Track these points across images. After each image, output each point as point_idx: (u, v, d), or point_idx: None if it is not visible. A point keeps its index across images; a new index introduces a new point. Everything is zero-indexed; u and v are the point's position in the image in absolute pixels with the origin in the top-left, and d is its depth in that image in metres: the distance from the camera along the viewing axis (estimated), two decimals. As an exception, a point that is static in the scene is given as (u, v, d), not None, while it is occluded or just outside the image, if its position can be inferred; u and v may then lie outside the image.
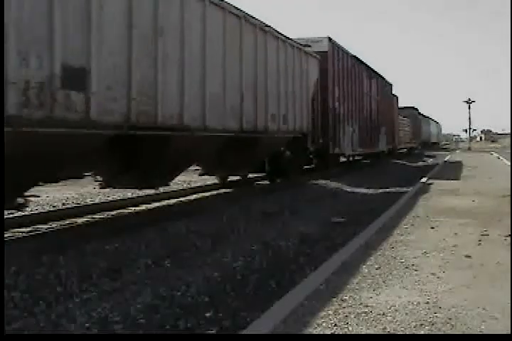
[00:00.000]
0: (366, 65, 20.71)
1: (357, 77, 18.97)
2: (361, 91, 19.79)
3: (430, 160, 29.11)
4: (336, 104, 15.83)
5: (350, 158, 20.93)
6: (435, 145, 59.09)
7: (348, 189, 12.41)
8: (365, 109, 20.36)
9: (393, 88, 28.54)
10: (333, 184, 13.09)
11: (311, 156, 14.93)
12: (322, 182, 13.18)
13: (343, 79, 16.80)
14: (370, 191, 12.26)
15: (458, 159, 27.15)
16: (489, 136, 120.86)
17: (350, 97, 17.77)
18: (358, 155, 21.01)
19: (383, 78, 25.19)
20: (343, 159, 18.98)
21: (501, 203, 8.72)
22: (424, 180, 13.44)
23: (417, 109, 43.65)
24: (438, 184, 12.30)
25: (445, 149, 56.24)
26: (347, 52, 17.59)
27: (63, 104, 5.25)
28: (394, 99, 29.79)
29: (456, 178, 14.29)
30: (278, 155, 12.09)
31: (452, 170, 17.63)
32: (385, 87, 25.53)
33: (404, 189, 11.96)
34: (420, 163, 26.39)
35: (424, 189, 11.25)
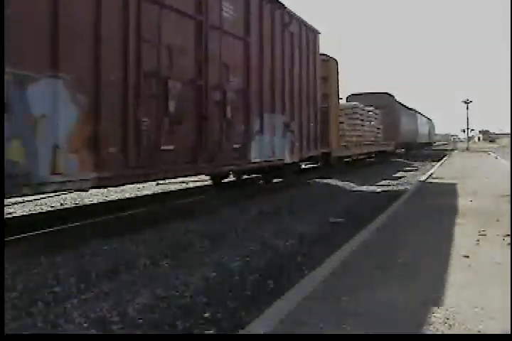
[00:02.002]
0: None
1: None
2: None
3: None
4: None
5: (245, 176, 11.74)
6: (426, 147, 49.05)
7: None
8: (190, 61, 7.23)
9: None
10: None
11: None
12: None
13: None
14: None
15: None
16: (487, 135, 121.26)
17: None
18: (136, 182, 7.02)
19: (291, 14, 10.86)
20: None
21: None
22: None
23: (393, 96, 29.55)
24: None
25: (439, 151, 46.33)
26: None
27: None
28: (330, 63, 15.16)
29: None
30: None
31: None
32: (288, 26, 10.73)
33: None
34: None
35: None
